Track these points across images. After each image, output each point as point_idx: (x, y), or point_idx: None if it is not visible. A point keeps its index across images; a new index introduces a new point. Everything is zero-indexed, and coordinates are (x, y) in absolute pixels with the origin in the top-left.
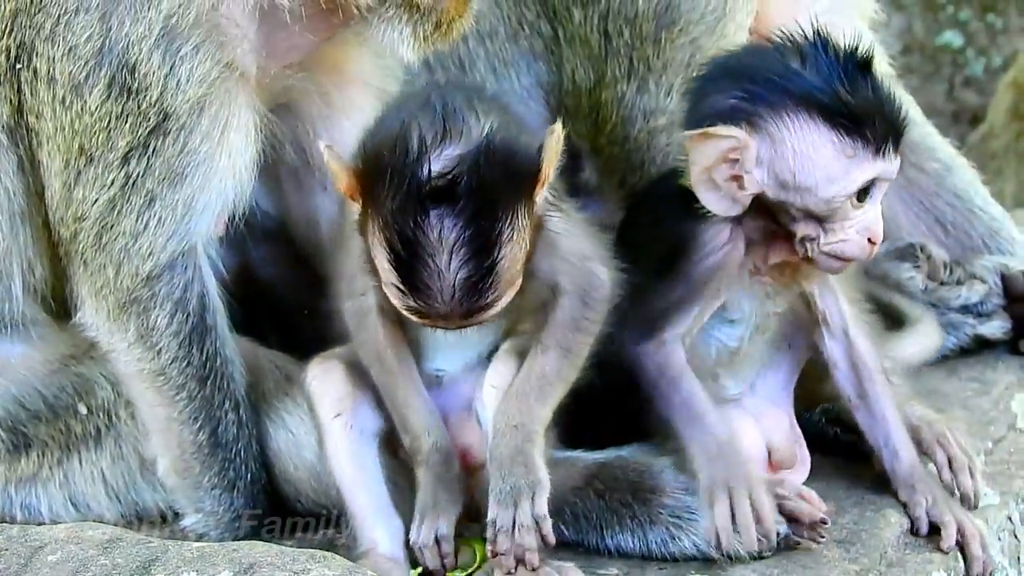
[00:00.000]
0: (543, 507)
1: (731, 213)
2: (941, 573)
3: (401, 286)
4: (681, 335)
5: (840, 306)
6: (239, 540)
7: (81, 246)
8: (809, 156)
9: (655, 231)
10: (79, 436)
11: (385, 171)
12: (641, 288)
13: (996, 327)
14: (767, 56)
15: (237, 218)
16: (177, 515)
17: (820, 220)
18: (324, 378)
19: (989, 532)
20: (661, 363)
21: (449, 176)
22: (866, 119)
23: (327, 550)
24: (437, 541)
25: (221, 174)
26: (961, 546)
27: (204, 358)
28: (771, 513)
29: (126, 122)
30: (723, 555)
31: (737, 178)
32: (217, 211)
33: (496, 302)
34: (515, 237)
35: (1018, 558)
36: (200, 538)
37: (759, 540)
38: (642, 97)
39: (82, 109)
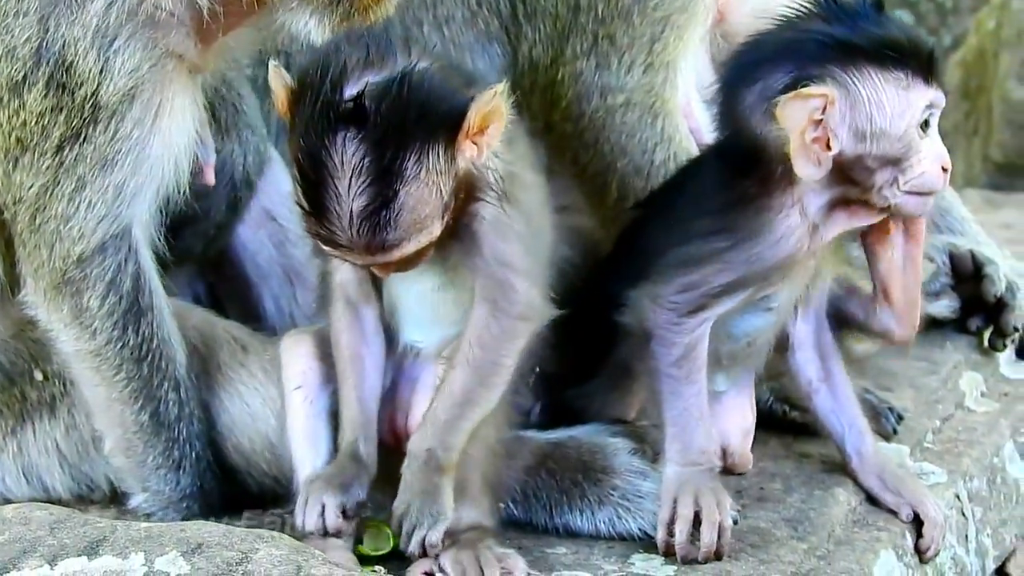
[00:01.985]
0: (437, 537)
1: (817, 177)
2: (889, 551)
3: (306, 207)
4: (714, 317)
5: (825, 288)
6: (187, 520)
7: (19, 227)
8: (877, 99)
9: (707, 204)
10: (34, 404)
11: (306, 89)
12: (687, 259)
13: (944, 306)
14: (801, 25)
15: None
16: (125, 495)
17: (896, 162)
18: (292, 349)
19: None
20: (689, 347)
21: (361, 99)
22: (907, 52)
23: (276, 530)
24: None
25: (154, 159)
26: (918, 523)
27: (140, 339)
28: (728, 519)
29: (61, 114)
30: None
31: (819, 140)
32: (152, 195)
33: (401, 242)
34: (423, 176)
35: (966, 536)
36: (148, 518)
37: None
38: (601, 74)
39: (20, 107)
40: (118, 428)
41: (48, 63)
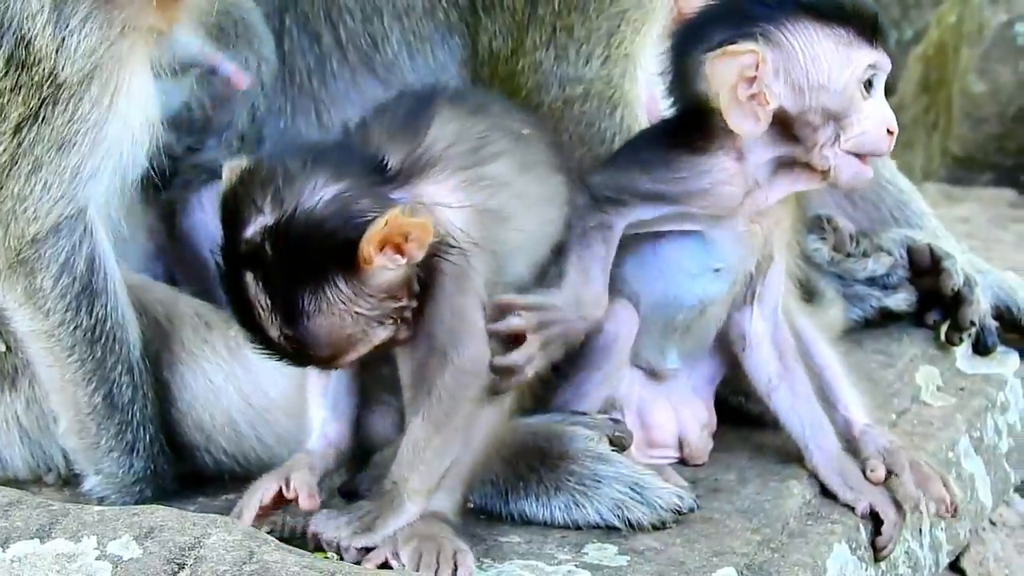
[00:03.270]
0: (359, 545)
1: (758, 132)
2: (843, 544)
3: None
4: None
5: (780, 281)
6: (140, 503)
7: None
8: (812, 53)
9: (654, 145)
10: None
11: (220, 224)
12: (623, 164)
13: (902, 299)
14: None
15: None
16: (79, 477)
17: (836, 118)
18: None
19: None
20: (599, 227)
21: (256, 244)
22: (848, 12)
23: (228, 514)
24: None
25: (112, 139)
26: (875, 519)
27: (93, 321)
28: None
29: (19, 94)
30: (626, 523)
31: (757, 96)
32: (110, 175)
33: (336, 359)
34: (325, 310)
35: (920, 530)
36: (101, 501)
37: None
38: (560, 65)
39: None
40: (71, 410)
41: (7, 41)
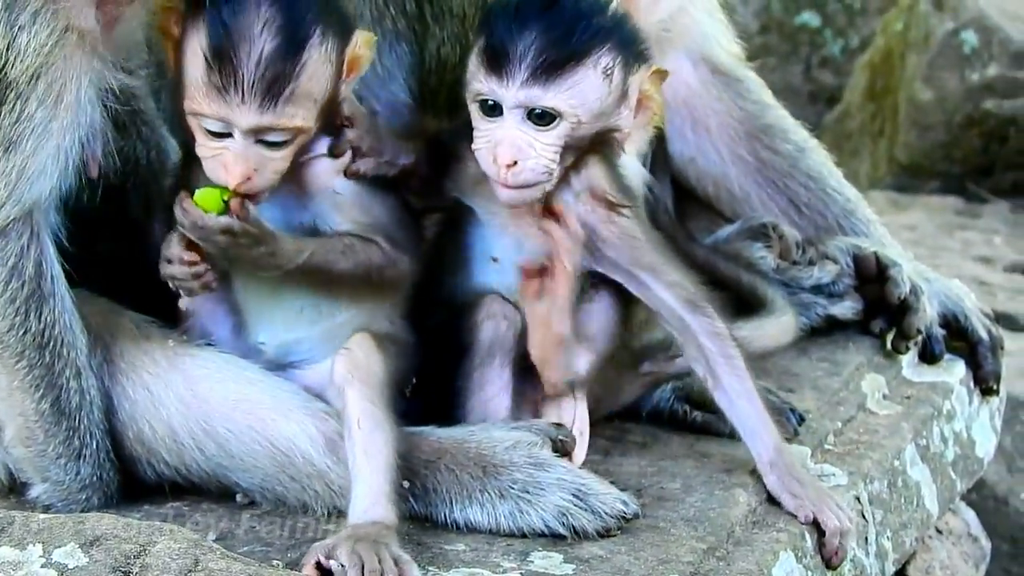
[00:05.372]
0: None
1: None
2: (788, 552)
3: (210, 53)
4: None
5: (664, 293)
6: (87, 511)
7: None
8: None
9: None
10: None
11: None
12: None
13: (847, 307)
14: None
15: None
16: (25, 485)
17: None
18: None
19: None
20: None
21: None
22: (498, 46)
23: (174, 522)
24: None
25: (58, 138)
26: (818, 527)
27: (42, 326)
28: None
29: None
30: (571, 531)
31: None
32: (54, 175)
33: (292, 104)
34: (322, 53)
35: (866, 538)
36: (47, 509)
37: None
38: None
39: None
40: (19, 417)
41: None
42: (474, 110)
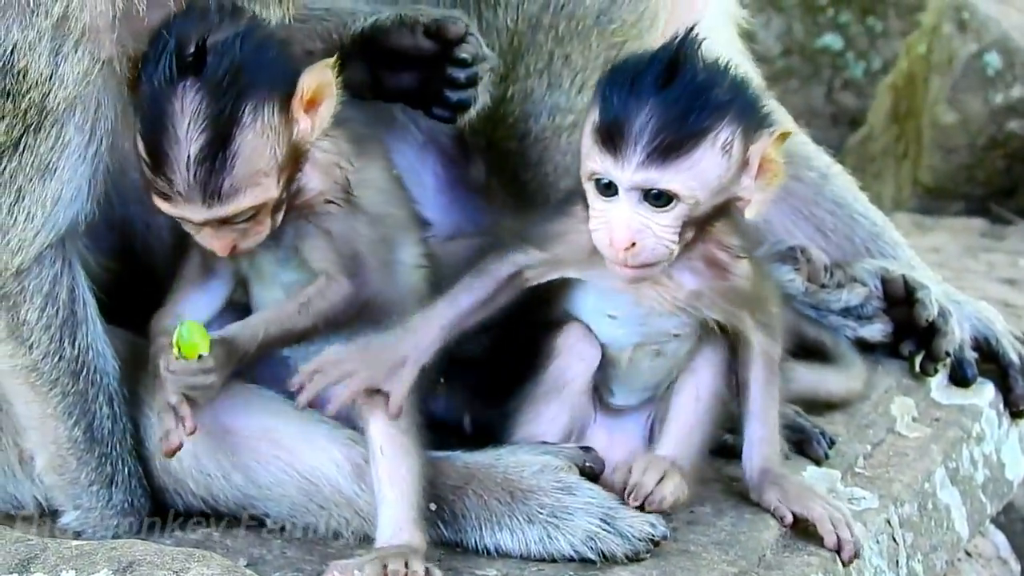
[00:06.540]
0: None
1: None
2: (819, 575)
3: (147, 158)
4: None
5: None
6: (118, 538)
7: None
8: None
9: None
10: None
11: (151, 50)
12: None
13: (877, 330)
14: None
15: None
16: (56, 512)
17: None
18: None
19: (868, 536)
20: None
21: (201, 51)
22: (612, 125)
23: (205, 548)
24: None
25: (90, 164)
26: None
27: (76, 352)
28: None
29: (1, 124)
30: (600, 555)
31: None
32: (87, 202)
33: (236, 192)
34: (258, 127)
35: (896, 561)
36: (79, 535)
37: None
38: (552, 93)
39: None
40: (51, 445)
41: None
42: (589, 188)
